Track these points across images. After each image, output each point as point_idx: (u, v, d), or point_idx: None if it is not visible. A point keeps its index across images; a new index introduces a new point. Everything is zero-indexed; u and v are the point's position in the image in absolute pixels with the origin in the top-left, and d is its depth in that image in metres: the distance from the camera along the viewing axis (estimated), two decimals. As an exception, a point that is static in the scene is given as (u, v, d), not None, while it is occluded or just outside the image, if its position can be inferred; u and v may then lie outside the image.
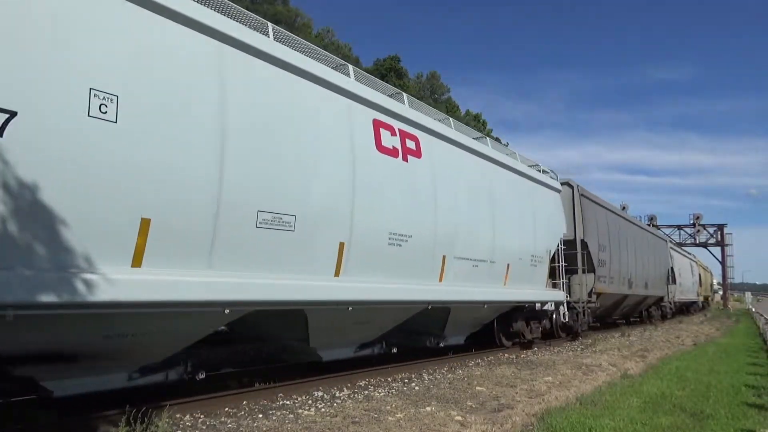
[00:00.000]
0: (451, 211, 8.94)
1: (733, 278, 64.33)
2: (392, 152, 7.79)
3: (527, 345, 13.20)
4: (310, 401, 6.63)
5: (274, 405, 6.42)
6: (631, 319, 25.47)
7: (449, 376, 8.70)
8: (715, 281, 63.35)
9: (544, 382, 8.02)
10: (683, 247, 47.25)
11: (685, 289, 33.91)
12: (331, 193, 6.72)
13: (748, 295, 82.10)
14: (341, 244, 6.88)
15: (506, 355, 12.15)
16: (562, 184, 15.07)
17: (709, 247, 58.31)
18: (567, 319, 14.03)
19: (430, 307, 8.61)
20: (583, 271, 15.18)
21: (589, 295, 15.53)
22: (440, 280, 8.79)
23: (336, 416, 5.62)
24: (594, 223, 16.39)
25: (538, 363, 10.15)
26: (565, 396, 7.26)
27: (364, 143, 7.31)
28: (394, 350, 8.90)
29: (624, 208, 36.82)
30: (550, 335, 14.76)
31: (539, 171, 13.19)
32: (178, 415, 5.72)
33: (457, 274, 9.12)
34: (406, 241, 7.80)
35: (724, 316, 37.09)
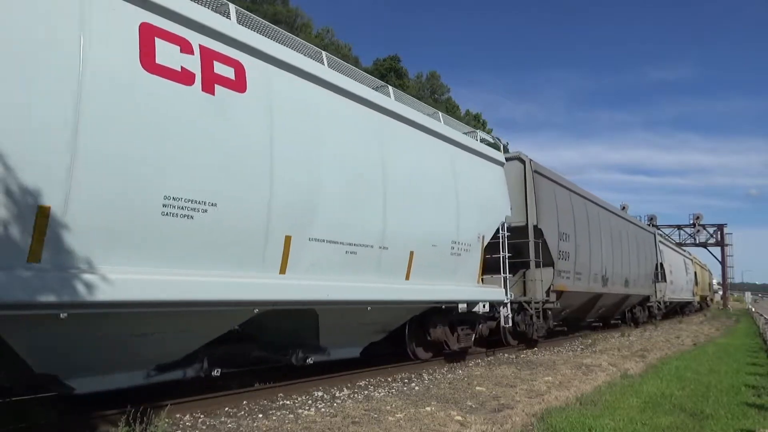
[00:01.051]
0: (305, 174, 6.44)
1: (733, 278, 64.45)
2: (178, 76, 5.16)
3: (456, 356, 10.55)
4: (310, 401, 6.64)
5: (274, 405, 6.42)
6: (612, 322, 22.17)
7: (449, 376, 8.70)
8: (714, 281, 63.33)
9: (544, 382, 8.03)
10: (683, 247, 46.69)
11: (678, 288, 30.86)
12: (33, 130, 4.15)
13: (748, 294, 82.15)
14: (42, 209, 4.18)
15: (506, 355, 12.15)
16: (510, 158, 12.66)
17: (709, 247, 58.34)
18: (510, 324, 11.34)
19: (256, 311, 5.99)
20: (537, 265, 12.67)
21: (547, 293, 13.03)
22: (282, 271, 6.22)
23: (336, 416, 5.62)
24: (553, 206, 13.77)
25: (538, 363, 10.15)
26: (565, 396, 7.26)
27: (110, 55, 4.65)
28: (217, 372, 6.20)
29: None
30: (497, 343, 12.68)
31: (477, 139, 10.65)
32: (178, 415, 5.73)
33: (316, 262, 6.63)
34: (205, 211, 5.28)
35: (724, 316, 37.11)
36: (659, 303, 25.45)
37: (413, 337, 9.70)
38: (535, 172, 13.13)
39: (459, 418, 5.70)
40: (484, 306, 10.14)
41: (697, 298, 41.52)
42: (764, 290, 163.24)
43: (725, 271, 59.35)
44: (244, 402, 6.50)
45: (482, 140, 10.95)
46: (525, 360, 10.89)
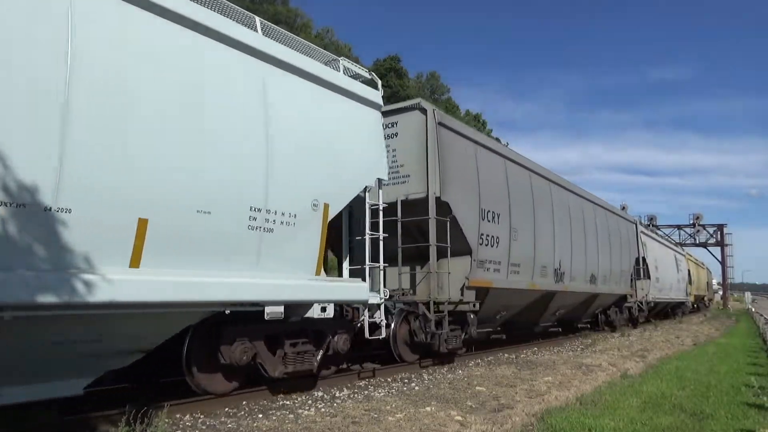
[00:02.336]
0: None
1: (733, 278, 64.42)
2: None
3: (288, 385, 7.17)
4: (310, 401, 6.64)
5: (274, 405, 6.42)
6: (579, 325, 19.02)
7: (449, 376, 8.70)
8: (714, 281, 63.26)
9: (544, 382, 8.03)
10: (683, 247, 46.23)
11: (667, 287, 27.49)
12: None
13: (748, 295, 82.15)
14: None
15: (506, 354, 12.15)
16: (407, 108, 9.70)
17: (709, 247, 58.37)
18: (384, 334, 8.15)
19: None
20: (444, 253, 9.43)
21: (462, 291, 9.82)
22: None
23: (336, 416, 5.62)
24: (470, 174, 10.36)
25: (538, 363, 10.15)
26: (564, 396, 7.26)
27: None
28: None
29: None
30: (389, 360, 9.52)
31: (338, 69, 7.64)
32: (178, 415, 5.73)
33: None
34: None
35: (724, 316, 37.09)
36: (641, 303, 21.78)
37: (197, 360, 6.19)
38: (441, 124, 9.49)
39: (459, 418, 5.70)
40: (324, 309, 6.90)
41: (692, 298, 37.88)
42: (764, 290, 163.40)
43: (725, 271, 59.36)
44: (244, 402, 6.50)
45: (347, 70, 7.88)
46: (525, 360, 10.89)
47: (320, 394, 7.15)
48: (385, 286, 8.08)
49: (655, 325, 23.25)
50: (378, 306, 7.97)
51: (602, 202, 18.85)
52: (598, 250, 16.92)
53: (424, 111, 9.56)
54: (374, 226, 7.98)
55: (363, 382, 8.24)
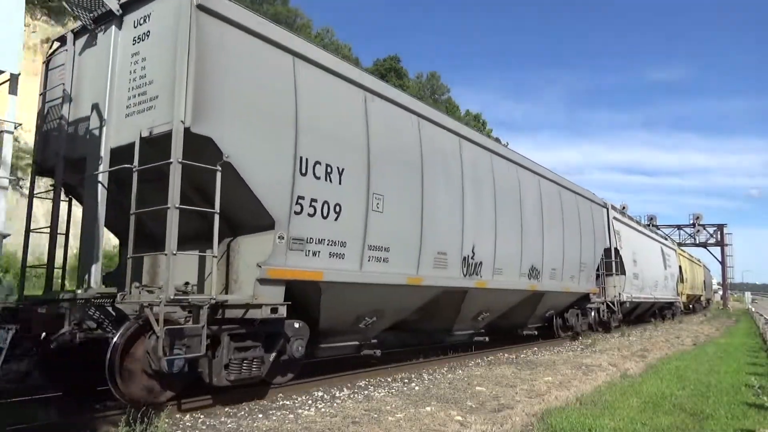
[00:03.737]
0: None
1: (733, 278, 64.47)
2: None
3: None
4: (310, 401, 6.64)
5: (274, 405, 6.42)
6: (525, 333, 14.04)
7: (449, 376, 8.70)
8: (714, 281, 63.18)
9: (544, 382, 8.03)
10: (683, 247, 45.77)
11: (650, 285, 23.18)
12: None
13: (748, 295, 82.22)
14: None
15: (506, 354, 12.15)
16: None
17: (709, 247, 58.41)
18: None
19: None
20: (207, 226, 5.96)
21: (255, 287, 6.13)
22: None
23: (336, 416, 5.62)
24: (278, 102, 6.52)
25: (538, 363, 10.15)
26: (564, 396, 7.26)
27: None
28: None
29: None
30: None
31: None
32: (177, 415, 5.73)
33: None
34: None
35: (724, 316, 37.09)
36: (611, 304, 18.25)
37: None
38: (204, 9, 5.74)
39: (459, 418, 5.70)
40: None
41: (684, 298, 33.09)
42: (764, 290, 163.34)
43: (725, 271, 59.39)
44: (244, 402, 6.50)
45: None
46: (525, 360, 10.88)
47: (320, 393, 7.15)
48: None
49: (656, 325, 23.15)
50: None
51: (556, 176, 14.52)
52: (544, 237, 12.94)
53: None
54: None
55: (363, 381, 8.24)
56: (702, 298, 44.51)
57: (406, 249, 8.45)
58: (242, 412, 6.02)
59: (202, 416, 5.84)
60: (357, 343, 8.45)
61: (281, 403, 6.57)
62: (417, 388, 7.55)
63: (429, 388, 7.42)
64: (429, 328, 10.80)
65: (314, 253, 6.91)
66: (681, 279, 32.02)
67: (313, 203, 6.90)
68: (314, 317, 7.26)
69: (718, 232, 58.04)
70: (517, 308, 12.71)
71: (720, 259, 58.68)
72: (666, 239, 31.99)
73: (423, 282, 8.77)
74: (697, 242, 57.64)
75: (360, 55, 55.16)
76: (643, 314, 24.70)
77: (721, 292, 64.21)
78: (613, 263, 18.30)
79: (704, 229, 58.21)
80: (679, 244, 48.36)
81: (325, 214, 7.08)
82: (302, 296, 6.90)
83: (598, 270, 16.92)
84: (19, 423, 5.14)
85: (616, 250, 18.67)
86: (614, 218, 19.11)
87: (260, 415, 5.83)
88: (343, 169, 7.36)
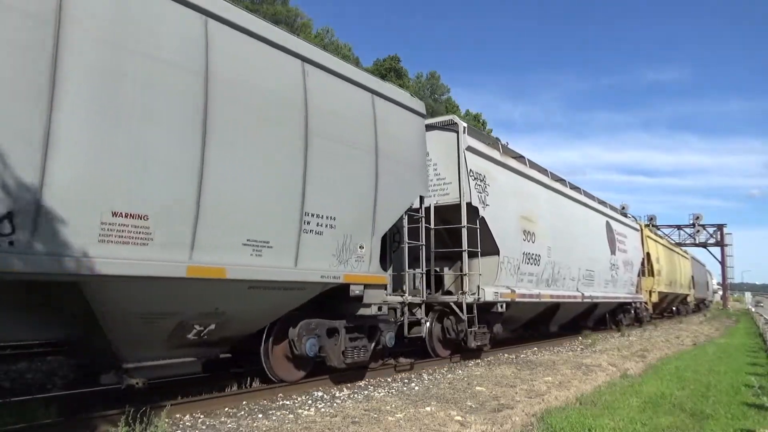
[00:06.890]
0: None
1: (732, 278, 64.46)
2: None
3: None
4: (310, 401, 6.64)
5: (274, 405, 6.42)
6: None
7: (449, 376, 8.70)
8: (714, 281, 63.07)
9: (544, 382, 8.03)
10: (683, 247, 45.10)
11: (561, 276, 13.96)
12: None
13: (748, 295, 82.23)
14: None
15: (506, 354, 12.15)
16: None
17: (708, 247, 58.41)
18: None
19: None
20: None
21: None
22: None
23: (336, 416, 5.62)
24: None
25: (538, 363, 10.15)
26: (564, 396, 7.26)
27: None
28: None
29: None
30: None
31: None
32: (177, 415, 5.73)
33: None
34: None
35: (724, 316, 37.08)
36: (468, 306, 10.02)
37: None
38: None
39: (459, 418, 5.70)
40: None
41: (654, 297, 24.16)
42: (764, 290, 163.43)
43: (725, 271, 59.38)
44: (244, 402, 6.50)
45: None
46: (525, 360, 10.89)
47: (320, 393, 7.15)
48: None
49: (655, 325, 23.13)
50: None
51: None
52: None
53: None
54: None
55: (363, 381, 8.24)
56: (690, 298, 35.28)
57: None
58: (242, 412, 6.02)
59: (201, 416, 5.84)
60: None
61: (281, 403, 6.57)
62: (417, 388, 7.55)
63: (429, 388, 7.42)
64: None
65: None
66: (651, 271, 23.99)
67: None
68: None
69: (718, 233, 58.03)
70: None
71: (720, 260, 58.69)
72: (622, 210, 22.09)
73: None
74: (697, 242, 57.64)
75: (360, 55, 55.23)
76: (578, 318, 17.04)
77: (720, 293, 64.19)
78: (463, 234, 10.06)
79: (704, 229, 58.20)
80: (679, 244, 47.96)
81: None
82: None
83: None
84: (19, 423, 5.14)
85: (473, 208, 10.27)
86: (468, 148, 10.59)
87: (260, 415, 5.83)
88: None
